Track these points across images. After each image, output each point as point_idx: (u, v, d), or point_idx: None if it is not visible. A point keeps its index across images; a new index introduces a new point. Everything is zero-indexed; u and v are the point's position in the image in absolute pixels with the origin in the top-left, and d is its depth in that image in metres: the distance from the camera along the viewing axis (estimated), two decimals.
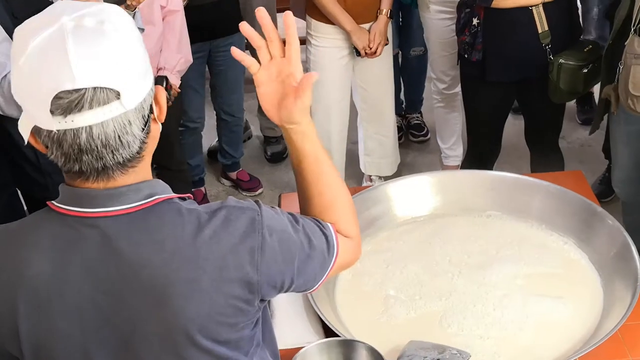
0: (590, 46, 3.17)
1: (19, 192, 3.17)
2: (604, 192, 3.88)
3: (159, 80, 1.45)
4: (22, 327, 1.41)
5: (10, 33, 2.59)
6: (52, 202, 1.42)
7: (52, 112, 1.29)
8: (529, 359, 2.03)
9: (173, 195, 1.44)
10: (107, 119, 1.31)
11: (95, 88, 1.29)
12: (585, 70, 3.09)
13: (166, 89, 1.46)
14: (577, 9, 3.40)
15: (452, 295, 2.22)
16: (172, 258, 1.38)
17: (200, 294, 1.38)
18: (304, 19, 3.81)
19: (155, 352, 1.41)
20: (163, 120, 1.45)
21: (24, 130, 1.37)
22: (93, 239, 1.39)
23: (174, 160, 3.69)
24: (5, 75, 2.57)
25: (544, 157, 3.50)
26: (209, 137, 4.67)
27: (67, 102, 1.29)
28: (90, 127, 1.31)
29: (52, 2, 2.63)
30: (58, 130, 1.31)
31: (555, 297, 2.21)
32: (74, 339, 1.42)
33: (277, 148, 4.69)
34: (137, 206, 1.39)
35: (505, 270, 2.30)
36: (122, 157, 1.36)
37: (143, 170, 1.43)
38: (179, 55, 3.23)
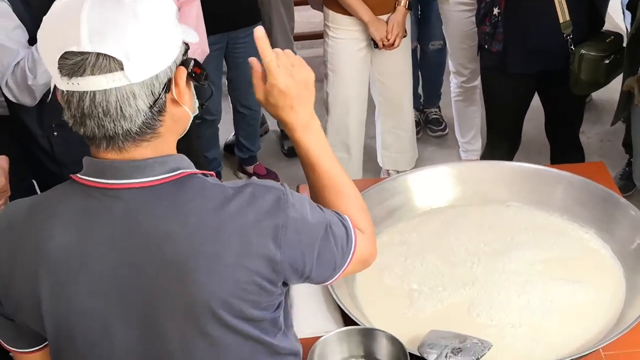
0: (612, 37, 3.14)
1: (35, 184, 3.16)
2: (624, 186, 3.86)
3: (185, 61, 1.43)
4: (44, 300, 1.41)
5: (24, 21, 2.59)
6: (76, 174, 1.42)
7: (60, 71, 1.32)
8: (563, 344, 2.01)
9: (197, 171, 1.44)
10: (110, 87, 1.32)
11: (98, 54, 1.31)
12: (607, 62, 3.06)
13: (194, 73, 1.43)
14: None
15: (475, 285, 2.21)
16: (196, 232, 1.37)
17: (223, 268, 1.38)
18: (322, 10, 3.79)
19: (178, 326, 1.41)
20: (187, 104, 1.44)
21: (40, 82, 1.41)
22: (117, 210, 1.39)
23: (191, 153, 3.62)
24: (18, 62, 2.57)
25: (564, 150, 3.48)
26: (226, 131, 4.67)
27: (71, 64, 1.31)
28: (94, 92, 1.32)
29: None
30: (67, 91, 1.34)
31: (575, 281, 2.20)
32: (96, 312, 1.42)
33: None
34: (162, 179, 1.39)
35: (523, 256, 2.29)
36: (124, 129, 1.36)
37: (164, 146, 1.42)
38: (196, 46, 3.20)
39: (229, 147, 4.72)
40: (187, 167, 1.43)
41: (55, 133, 2.77)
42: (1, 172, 2.55)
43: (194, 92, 1.49)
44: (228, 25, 3.86)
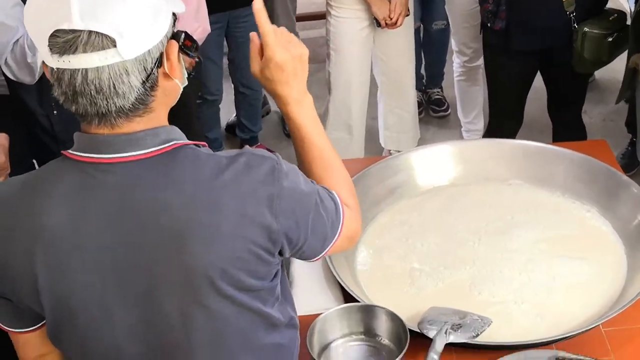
0: (616, 15, 3.13)
1: (35, 164, 3.16)
2: (627, 165, 3.86)
3: (176, 35, 1.43)
4: (41, 279, 1.41)
5: None
6: (68, 150, 1.41)
7: (50, 49, 1.31)
8: (566, 320, 2.01)
9: (190, 142, 1.44)
10: (102, 65, 1.31)
11: (90, 32, 1.30)
12: (610, 39, 3.06)
13: (185, 45, 1.43)
14: None
15: (477, 263, 2.20)
16: (192, 202, 1.37)
17: (220, 237, 1.38)
18: None
19: (177, 299, 1.41)
20: (178, 77, 1.43)
21: (39, 61, 1.39)
22: (110, 185, 1.38)
23: (192, 133, 3.63)
24: (17, 40, 2.56)
25: (566, 129, 3.48)
26: (228, 112, 4.66)
27: (62, 42, 1.31)
28: (86, 70, 1.32)
29: None
30: (58, 69, 1.33)
31: (576, 258, 2.20)
32: (94, 288, 1.41)
33: None
34: (155, 151, 1.39)
35: (524, 234, 2.29)
36: (117, 106, 1.35)
37: (156, 120, 1.42)
38: (197, 24, 3.18)
39: (230, 127, 4.71)
40: (179, 138, 1.43)
41: (55, 112, 2.77)
42: (1, 149, 2.55)
43: (183, 63, 1.48)
44: (229, 4, 3.84)
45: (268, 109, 4.94)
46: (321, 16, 4.31)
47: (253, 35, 1.60)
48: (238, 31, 3.95)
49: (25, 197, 1.42)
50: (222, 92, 4.23)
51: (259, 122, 4.47)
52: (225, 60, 4.27)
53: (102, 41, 1.30)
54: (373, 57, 3.90)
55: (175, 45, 1.41)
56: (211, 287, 1.40)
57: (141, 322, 1.44)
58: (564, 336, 1.91)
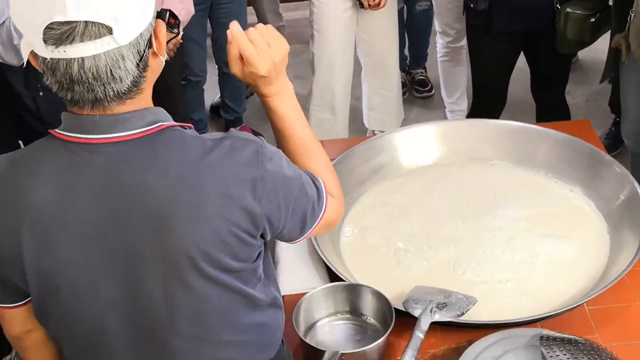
0: None
1: (21, 145, 3.15)
2: (610, 145, 3.87)
3: (161, 13, 1.45)
4: (26, 255, 1.42)
5: None
6: (55, 130, 1.42)
7: (44, 41, 1.31)
8: (550, 298, 2.03)
9: (176, 123, 1.45)
10: (99, 52, 1.32)
11: (87, 22, 1.30)
12: (593, 20, 3.07)
13: (169, 23, 1.45)
14: None
15: (460, 243, 2.22)
16: (177, 182, 1.38)
17: (204, 219, 1.39)
18: None
19: (159, 277, 1.42)
20: (164, 54, 1.44)
21: (24, 51, 1.38)
22: (97, 165, 1.39)
23: (177, 114, 3.60)
24: (4, 22, 2.55)
25: (550, 109, 3.49)
26: (212, 94, 4.66)
27: (58, 33, 1.30)
28: (83, 59, 1.32)
29: None
30: (52, 59, 1.32)
31: (559, 236, 2.22)
32: (79, 265, 1.42)
33: None
34: (141, 132, 1.40)
35: (507, 213, 2.31)
36: (114, 91, 1.36)
37: (143, 100, 1.43)
38: (181, 6, 3.17)
39: (214, 108, 4.70)
40: (165, 119, 1.44)
41: (40, 93, 2.76)
42: None
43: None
44: None
45: (252, 90, 4.92)
46: None
47: (229, 35, 1.61)
48: (221, 12, 3.94)
49: (11, 176, 1.43)
50: (206, 74, 4.21)
51: (243, 103, 4.47)
52: (208, 42, 4.26)
53: (99, 30, 1.30)
54: (357, 38, 3.90)
55: (162, 25, 1.43)
56: (193, 267, 1.41)
57: (124, 298, 1.45)
58: (548, 314, 1.93)
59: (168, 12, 1.45)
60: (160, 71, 1.47)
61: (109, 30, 1.31)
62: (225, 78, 4.29)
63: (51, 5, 1.29)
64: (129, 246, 1.40)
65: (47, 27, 1.30)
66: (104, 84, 1.34)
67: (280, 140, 1.70)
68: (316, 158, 1.70)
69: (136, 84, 1.39)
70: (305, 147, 1.69)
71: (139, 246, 1.40)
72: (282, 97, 1.66)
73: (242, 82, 4.28)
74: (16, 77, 2.77)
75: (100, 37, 1.31)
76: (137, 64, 1.37)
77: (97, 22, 1.30)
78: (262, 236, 1.50)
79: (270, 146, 1.50)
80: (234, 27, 1.59)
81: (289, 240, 1.62)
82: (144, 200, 1.38)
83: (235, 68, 1.62)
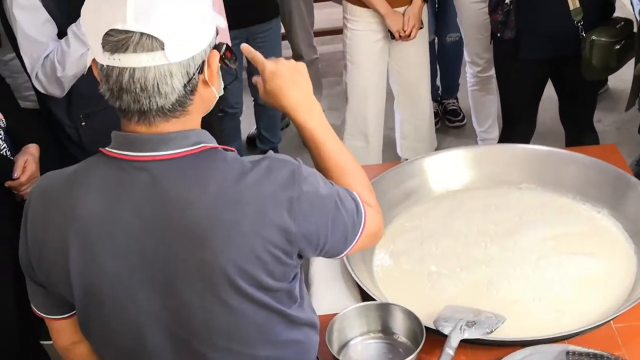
0: (622, 23, 3.16)
1: None
2: None
3: (219, 46, 1.52)
4: (73, 266, 1.49)
5: (53, 15, 2.65)
6: (105, 148, 1.49)
7: (103, 46, 1.40)
8: (580, 316, 2.06)
9: (219, 145, 1.51)
10: (150, 65, 1.39)
11: (142, 34, 1.38)
12: (618, 47, 3.09)
13: (225, 56, 1.53)
14: None
15: (491, 264, 2.26)
16: (216, 200, 1.44)
17: (240, 236, 1.44)
18: (341, 3, 3.86)
19: (197, 293, 1.47)
20: (215, 85, 1.51)
21: (88, 59, 1.47)
22: (143, 181, 1.46)
23: None
24: (48, 55, 2.64)
25: (579, 135, 3.50)
26: (248, 125, 4.74)
27: (115, 41, 1.39)
28: (134, 69, 1.40)
29: None
30: (107, 66, 1.41)
31: (587, 253, 2.25)
32: (121, 278, 1.49)
33: None
34: (185, 151, 1.47)
35: (534, 233, 2.34)
36: (158, 105, 1.43)
37: (190, 122, 1.50)
38: (218, 39, 3.26)
39: (251, 139, 4.79)
40: (209, 141, 1.50)
41: (83, 123, 2.83)
42: (32, 159, 2.65)
43: (221, 74, 1.57)
44: (248, 20, 3.92)
45: (287, 121, 4.99)
46: (338, 31, 4.40)
47: (255, 79, 1.75)
48: (256, 45, 4.00)
49: (64, 189, 1.50)
50: (242, 105, 4.30)
51: (278, 133, 4.55)
52: (244, 75, 4.36)
53: (152, 43, 1.39)
54: (389, 68, 3.97)
55: (216, 55, 1.50)
56: (229, 284, 1.46)
57: (163, 311, 1.50)
58: (576, 332, 1.95)
59: (225, 46, 1.51)
60: (212, 103, 1.55)
61: (162, 46, 1.39)
62: (261, 109, 4.38)
63: (114, 14, 1.38)
64: (168, 260, 1.46)
65: (106, 34, 1.39)
66: (149, 97, 1.42)
67: (314, 156, 1.77)
68: (351, 171, 1.77)
69: (181, 104, 1.46)
70: (339, 161, 1.76)
71: (177, 260, 1.46)
72: (311, 114, 1.74)
73: (277, 112, 4.38)
74: (59, 109, 2.84)
75: (152, 51, 1.39)
76: (185, 85, 1.44)
77: (152, 36, 1.38)
78: (299, 256, 1.55)
79: (307, 167, 1.56)
80: (244, 45, 1.73)
81: (334, 255, 1.67)
82: (183, 215, 1.44)
83: (260, 89, 1.73)
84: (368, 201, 1.72)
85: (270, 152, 1.55)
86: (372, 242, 1.81)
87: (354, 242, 1.67)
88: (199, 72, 1.46)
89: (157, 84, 1.41)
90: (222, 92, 1.57)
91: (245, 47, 1.75)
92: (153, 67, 1.40)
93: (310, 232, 1.52)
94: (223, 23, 1.54)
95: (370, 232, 1.71)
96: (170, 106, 1.45)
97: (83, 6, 1.46)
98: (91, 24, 1.44)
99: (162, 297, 1.49)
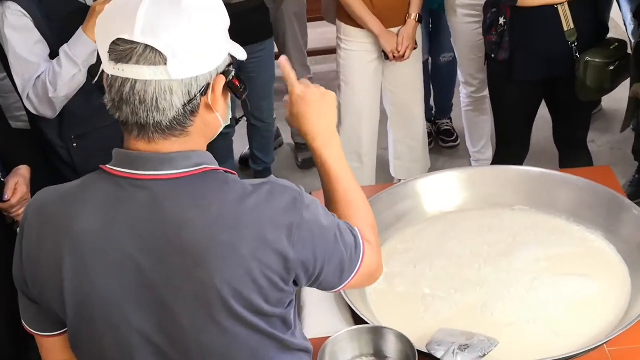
0: (617, 44, 3.18)
1: None
2: (635, 193, 3.89)
3: (227, 71, 1.50)
4: (67, 283, 1.47)
5: (45, 36, 2.66)
6: (106, 165, 1.49)
7: (109, 55, 1.41)
8: (573, 339, 2.05)
9: (220, 167, 1.51)
10: (151, 79, 1.39)
11: (147, 46, 1.38)
12: (612, 68, 3.10)
13: (232, 83, 1.50)
14: (603, 7, 3.40)
15: (484, 285, 2.25)
16: (215, 221, 1.43)
17: (237, 258, 1.43)
18: (335, 23, 3.87)
19: (190, 312, 1.46)
20: (220, 112, 1.50)
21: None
22: (141, 199, 1.45)
23: None
24: (39, 76, 2.65)
25: (573, 156, 3.50)
26: (241, 145, 4.73)
27: (120, 50, 1.40)
28: (135, 81, 1.40)
29: (84, 3, 2.71)
30: (112, 75, 1.42)
31: (581, 274, 2.25)
32: (114, 295, 1.47)
33: (308, 154, 4.70)
34: (186, 172, 1.46)
35: (527, 255, 2.34)
36: (155, 120, 1.43)
37: (191, 143, 1.48)
38: None
39: (243, 160, 4.78)
40: (211, 163, 1.49)
41: (74, 144, 2.83)
42: (23, 180, 2.63)
43: (230, 103, 1.56)
44: (241, 41, 3.90)
45: (281, 141, 5.01)
46: (332, 51, 4.41)
47: (285, 99, 1.77)
48: (250, 66, 4.00)
49: (61, 205, 1.49)
50: (235, 125, 4.29)
51: (271, 153, 4.54)
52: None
53: (155, 57, 1.39)
54: (382, 88, 3.98)
55: (222, 80, 1.48)
56: (223, 305, 1.45)
57: (155, 330, 1.49)
58: (568, 356, 1.94)
59: (233, 73, 1.50)
60: (218, 129, 1.55)
61: (165, 61, 1.39)
62: (254, 129, 4.37)
63: (124, 24, 1.39)
64: (163, 279, 1.45)
65: (113, 43, 1.40)
66: (147, 110, 1.41)
67: (325, 187, 1.78)
68: (358, 208, 1.77)
69: (180, 123, 1.45)
70: (348, 196, 1.77)
71: (171, 280, 1.45)
72: (329, 146, 1.76)
73: (270, 133, 4.42)
74: (50, 128, 2.84)
75: (155, 65, 1.39)
76: (184, 104, 1.43)
77: (156, 49, 1.38)
78: (295, 283, 1.54)
79: (308, 195, 1.55)
80: (282, 60, 1.77)
81: (328, 288, 1.66)
82: (181, 235, 1.43)
83: (287, 108, 1.76)
84: (369, 239, 1.72)
85: (272, 177, 1.55)
86: (369, 282, 1.81)
87: (350, 278, 1.66)
88: (202, 94, 1.45)
89: (156, 99, 1.41)
90: (228, 122, 1.56)
91: (283, 61, 1.76)
92: (154, 82, 1.40)
93: (307, 260, 1.52)
94: (242, 55, 1.54)
95: (368, 270, 1.70)
96: (168, 123, 1.44)
97: (99, 17, 1.48)
98: (102, 31, 1.45)
99: (155, 316, 1.48)
